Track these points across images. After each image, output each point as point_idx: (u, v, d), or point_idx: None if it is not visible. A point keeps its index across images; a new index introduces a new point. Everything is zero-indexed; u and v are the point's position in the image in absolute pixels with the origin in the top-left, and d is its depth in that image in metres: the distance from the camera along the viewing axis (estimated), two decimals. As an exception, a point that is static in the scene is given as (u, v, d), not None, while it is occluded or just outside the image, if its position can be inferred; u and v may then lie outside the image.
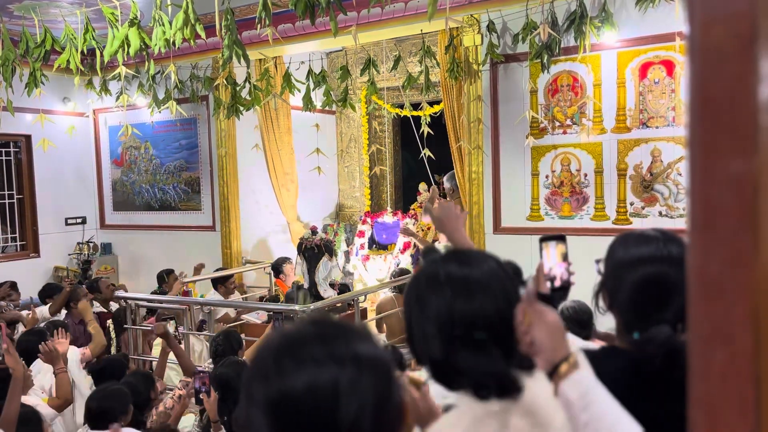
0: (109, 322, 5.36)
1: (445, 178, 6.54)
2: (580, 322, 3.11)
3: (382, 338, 5.58)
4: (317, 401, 0.84)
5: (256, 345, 0.92)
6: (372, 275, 6.96)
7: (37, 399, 3.32)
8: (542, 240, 1.56)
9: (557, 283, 1.47)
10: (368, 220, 7.39)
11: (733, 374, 0.50)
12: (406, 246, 6.97)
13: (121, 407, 2.97)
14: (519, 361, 1.17)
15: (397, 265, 6.47)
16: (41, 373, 3.76)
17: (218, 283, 6.11)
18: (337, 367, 0.86)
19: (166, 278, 6.20)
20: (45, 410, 3.21)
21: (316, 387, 0.85)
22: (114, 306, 5.93)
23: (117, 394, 3.03)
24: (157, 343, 4.89)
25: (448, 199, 6.51)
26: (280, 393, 0.85)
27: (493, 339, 1.17)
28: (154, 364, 4.66)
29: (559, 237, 1.54)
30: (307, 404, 0.85)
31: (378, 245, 7.23)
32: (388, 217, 7.29)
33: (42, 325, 5.38)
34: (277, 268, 6.41)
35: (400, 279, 5.69)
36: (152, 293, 6.08)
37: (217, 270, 6.42)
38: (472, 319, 1.16)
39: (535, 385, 1.16)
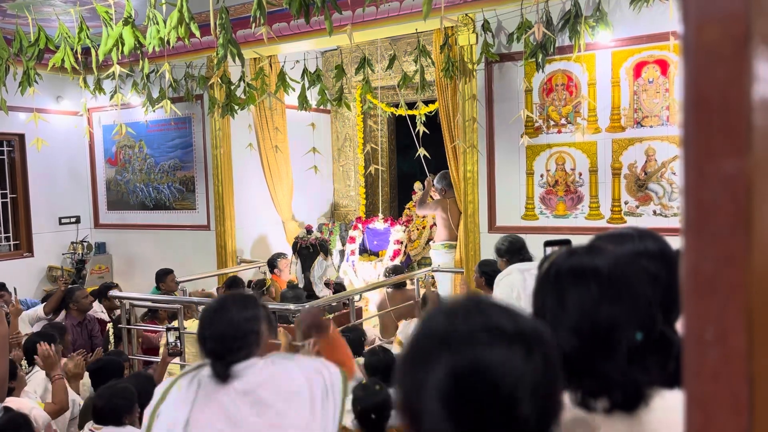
0: (109, 325, 5.35)
1: (435, 179, 6.52)
2: None
3: (376, 333, 5.59)
4: (506, 376, 0.77)
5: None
6: (360, 281, 6.94)
7: (32, 402, 3.30)
8: (546, 244, 1.57)
9: None
10: (359, 225, 7.37)
11: (726, 373, 0.50)
12: (396, 254, 6.96)
13: (128, 405, 2.97)
14: (644, 371, 1.05)
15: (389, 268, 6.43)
16: (34, 376, 3.73)
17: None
18: (525, 344, 0.80)
19: (163, 278, 6.16)
20: (40, 413, 3.19)
21: (508, 361, 0.78)
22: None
23: (124, 392, 3.02)
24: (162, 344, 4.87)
25: (435, 197, 6.50)
26: (472, 363, 0.77)
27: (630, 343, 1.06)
28: (153, 364, 4.65)
29: (565, 242, 1.54)
30: (497, 379, 0.77)
31: (369, 252, 7.22)
32: (379, 224, 7.27)
33: (36, 324, 5.38)
34: (272, 263, 6.41)
35: (396, 277, 5.70)
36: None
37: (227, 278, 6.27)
38: (616, 321, 1.05)
39: (663, 408, 1.05)
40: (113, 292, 5.66)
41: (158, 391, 1.94)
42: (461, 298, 0.87)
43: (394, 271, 6.01)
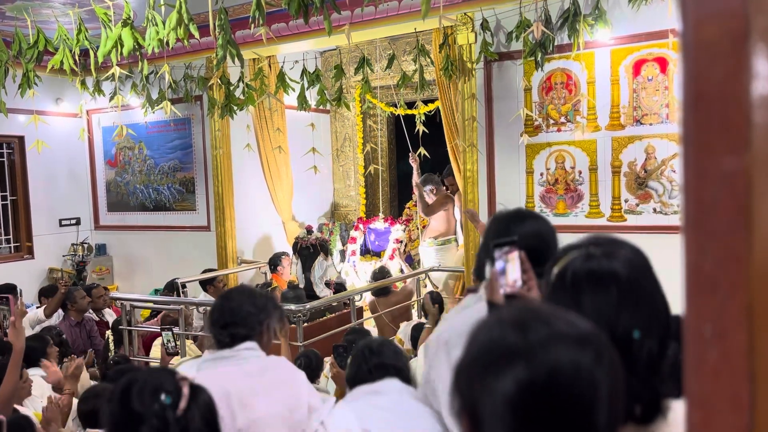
0: (109, 332, 5.34)
1: (421, 182, 6.49)
2: None
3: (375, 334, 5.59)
4: (584, 384, 0.76)
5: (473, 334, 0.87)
6: (362, 281, 6.95)
7: (29, 411, 3.29)
8: (496, 246, 1.49)
9: (508, 290, 1.43)
10: (361, 226, 7.37)
11: (727, 371, 0.50)
12: (394, 252, 6.96)
13: None
14: (663, 382, 1.03)
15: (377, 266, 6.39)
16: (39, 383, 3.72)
17: (207, 284, 6.07)
18: (593, 349, 0.79)
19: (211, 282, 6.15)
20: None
21: (584, 368, 0.76)
22: (110, 315, 5.91)
23: (105, 392, 3.02)
24: (158, 344, 4.86)
25: (430, 198, 6.47)
26: (547, 371, 0.75)
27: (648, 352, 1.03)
28: (152, 365, 4.65)
29: (513, 241, 1.48)
30: (576, 387, 0.76)
31: (372, 252, 7.22)
32: (380, 223, 7.27)
33: (37, 326, 5.37)
34: (275, 262, 6.41)
35: (378, 282, 5.67)
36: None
37: (204, 272, 6.35)
38: (636, 328, 1.03)
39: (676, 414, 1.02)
40: (114, 294, 5.66)
41: None
42: (515, 308, 0.85)
43: (380, 273, 5.98)
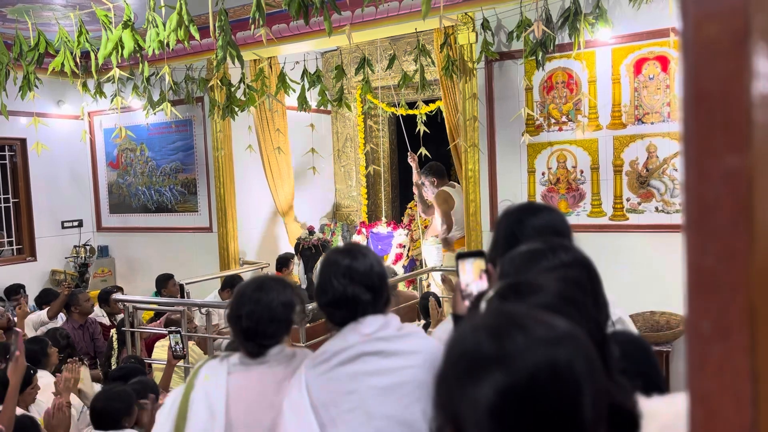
0: (113, 332, 5.35)
1: (422, 179, 6.46)
2: None
3: None
4: (560, 384, 0.76)
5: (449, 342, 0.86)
6: None
7: (36, 416, 3.30)
8: (459, 257, 1.50)
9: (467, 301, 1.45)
10: (363, 230, 7.37)
11: (729, 369, 0.50)
12: (398, 257, 6.96)
13: (126, 408, 2.98)
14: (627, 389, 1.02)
15: None
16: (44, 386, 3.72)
17: (227, 286, 6.02)
18: (569, 348, 0.78)
19: (165, 284, 6.16)
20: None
21: (557, 368, 0.76)
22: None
23: (121, 395, 3.03)
24: (161, 346, 4.86)
25: (430, 193, 6.44)
26: (526, 376, 0.75)
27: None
28: (154, 366, 4.65)
29: (478, 253, 1.50)
30: (556, 389, 0.76)
31: None
32: (382, 228, 7.28)
33: (40, 329, 5.39)
34: (285, 262, 6.42)
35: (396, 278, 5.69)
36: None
37: (224, 286, 6.19)
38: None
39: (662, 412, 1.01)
40: (116, 296, 5.66)
41: (178, 391, 1.97)
42: (493, 313, 0.85)
43: None
